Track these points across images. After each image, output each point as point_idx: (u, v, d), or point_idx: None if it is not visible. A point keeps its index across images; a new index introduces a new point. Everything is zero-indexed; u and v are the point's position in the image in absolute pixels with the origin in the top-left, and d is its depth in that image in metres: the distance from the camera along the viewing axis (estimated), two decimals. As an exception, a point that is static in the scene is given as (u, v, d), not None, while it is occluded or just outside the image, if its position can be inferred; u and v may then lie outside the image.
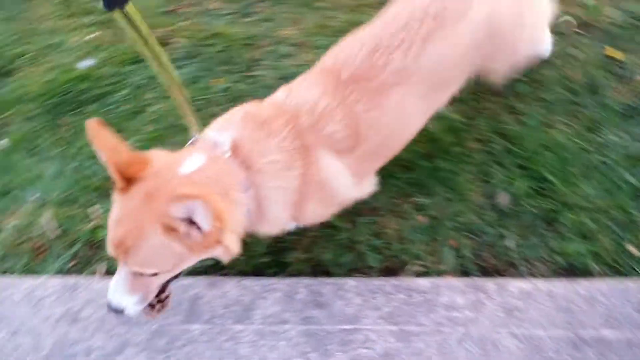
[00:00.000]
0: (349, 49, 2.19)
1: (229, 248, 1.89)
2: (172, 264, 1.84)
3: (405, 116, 2.22)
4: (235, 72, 3.52)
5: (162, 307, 2.13)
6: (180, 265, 1.87)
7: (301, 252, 2.67)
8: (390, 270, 2.58)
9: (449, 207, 2.73)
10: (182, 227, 1.73)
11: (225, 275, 2.63)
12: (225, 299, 2.54)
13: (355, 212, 2.71)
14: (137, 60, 3.71)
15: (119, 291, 1.89)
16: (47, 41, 4.08)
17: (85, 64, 3.77)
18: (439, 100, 2.37)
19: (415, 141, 2.56)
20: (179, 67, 3.62)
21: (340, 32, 3.43)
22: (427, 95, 2.23)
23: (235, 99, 3.29)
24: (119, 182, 1.77)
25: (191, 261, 1.88)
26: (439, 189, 2.79)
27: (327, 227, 2.69)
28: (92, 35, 4.00)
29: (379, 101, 2.09)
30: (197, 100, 3.37)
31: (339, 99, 2.07)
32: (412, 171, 2.84)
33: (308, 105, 2.08)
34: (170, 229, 1.72)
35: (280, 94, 2.20)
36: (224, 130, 2.04)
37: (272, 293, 2.52)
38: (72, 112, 3.52)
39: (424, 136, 2.77)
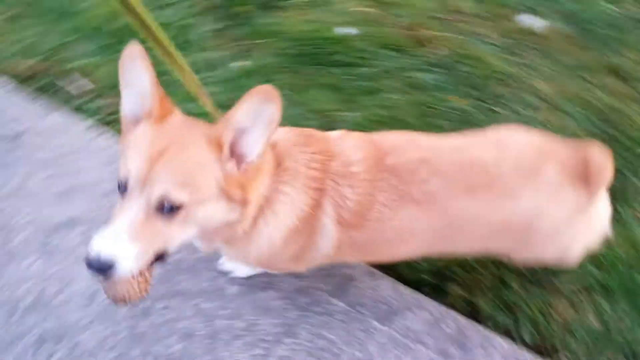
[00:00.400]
0: (405, 143, 2.13)
1: (247, 211, 1.84)
2: (206, 193, 1.70)
3: (406, 235, 2.12)
4: (476, 98, 3.56)
5: (145, 287, 1.80)
6: (206, 205, 1.72)
7: (463, 289, 2.67)
8: (539, 350, 2.51)
9: (626, 324, 2.60)
10: (226, 148, 1.69)
11: (385, 273, 2.69)
12: (375, 293, 2.61)
13: (531, 280, 2.67)
14: (396, 48, 3.86)
15: (120, 235, 1.60)
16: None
17: (345, 30, 3.98)
18: (446, 245, 2.22)
19: (618, 244, 2.52)
20: (425, 71, 3.73)
21: (592, 111, 3.41)
22: (437, 233, 2.11)
23: (464, 122, 3.36)
24: (158, 110, 1.72)
25: (215, 211, 1.75)
26: (625, 303, 2.66)
27: (498, 280, 2.67)
28: (362, 9, 4.19)
29: (396, 204, 2.02)
30: (429, 107, 3.46)
31: (371, 176, 2.03)
32: (605, 270, 2.73)
33: (346, 159, 2.05)
34: (216, 145, 1.69)
35: (336, 133, 2.19)
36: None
37: (421, 311, 2.55)
38: (314, 66, 3.74)
39: (628, 240, 2.70)
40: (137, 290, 1.75)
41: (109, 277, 1.60)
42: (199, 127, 1.73)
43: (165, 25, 3.91)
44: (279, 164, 1.95)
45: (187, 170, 1.66)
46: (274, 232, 1.99)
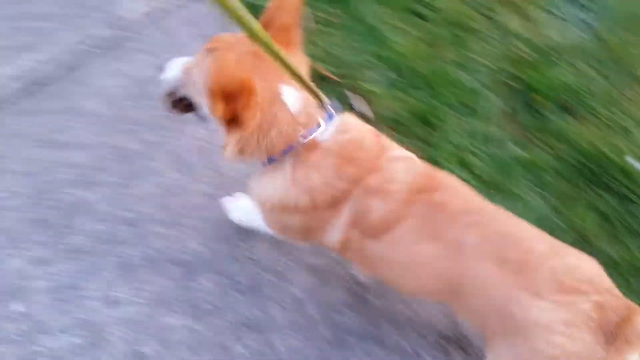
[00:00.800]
0: (464, 189, 2.16)
1: (230, 135, 2.05)
2: (193, 89, 2.17)
3: (417, 269, 2.10)
4: None
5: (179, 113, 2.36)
6: (199, 97, 2.14)
7: None
8: None
9: None
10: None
11: None
12: None
13: None
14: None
15: (177, 63, 2.23)
16: (624, 120, 4.14)
17: (636, 164, 3.77)
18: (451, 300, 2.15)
19: None
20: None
21: None
22: (447, 285, 2.04)
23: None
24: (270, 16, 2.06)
25: (199, 103, 2.19)
26: None
27: None
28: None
29: (423, 235, 2.03)
30: None
31: (409, 198, 2.04)
32: None
33: (389, 176, 2.07)
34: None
35: (401, 153, 2.24)
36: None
37: None
38: (590, 185, 3.61)
39: None
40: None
41: (162, 74, 2.26)
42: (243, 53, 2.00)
43: (454, 83, 3.99)
44: (315, 147, 2.05)
45: (193, 71, 2.15)
46: (279, 190, 2.14)
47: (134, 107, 3.37)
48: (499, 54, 4.31)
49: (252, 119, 1.96)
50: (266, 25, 1.96)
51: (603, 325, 1.82)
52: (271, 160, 2.11)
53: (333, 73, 3.90)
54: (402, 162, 2.16)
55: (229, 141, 2.08)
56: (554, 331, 1.84)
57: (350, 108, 3.74)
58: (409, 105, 3.81)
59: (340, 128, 2.09)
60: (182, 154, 3.20)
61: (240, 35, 1.95)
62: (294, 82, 1.96)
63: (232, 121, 1.96)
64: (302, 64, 2.13)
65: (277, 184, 2.14)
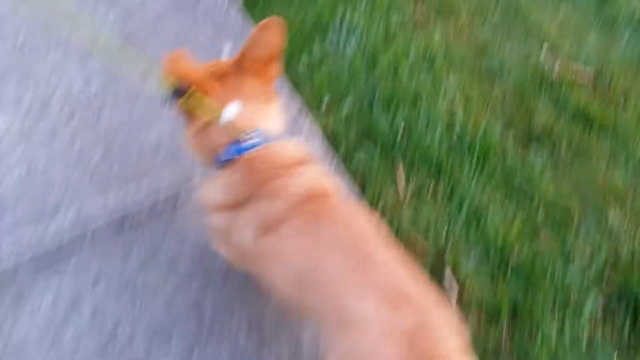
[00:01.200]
0: (338, 206, 2.27)
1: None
2: None
3: (285, 265, 2.21)
4: None
5: None
6: None
7: None
8: None
9: None
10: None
11: None
12: None
13: None
14: None
15: None
16: None
17: None
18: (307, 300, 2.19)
19: None
20: None
21: None
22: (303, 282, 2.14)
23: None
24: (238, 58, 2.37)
25: None
26: None
27: None
28: None
29: (294, 234, 2.18)
30: None
31: (295, 203, 2.19)
32: None
33: (290, 181, 2.25)
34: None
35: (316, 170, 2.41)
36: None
37: None
38: None
39: None
40: None
41: None
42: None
43: (550, 276, 3.78)
44: (234, 159, 2.31)
45: None
46: (212, 191, 2.45)
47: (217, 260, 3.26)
48: (600, 251, 4.07)
49: (200, 117, 2.30)
50: (244, 55, 2.32)
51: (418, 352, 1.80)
52: (217, 165, 2.38)
53: (423, 243, 3.80)
54: (306, 174, 2.33)
55: (186, 130, 2.43)
56: (369, 333, 1.86)
57: (440, 282, 3.59)
58: (499, 291, 3.62)
59: (260, 149, 2.31)
60: (257, 320, 3.08)
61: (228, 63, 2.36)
62: (248, 104, 2.33)
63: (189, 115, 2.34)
64: (272, 98, 2.44)
65: (212, 185, 2.43)
